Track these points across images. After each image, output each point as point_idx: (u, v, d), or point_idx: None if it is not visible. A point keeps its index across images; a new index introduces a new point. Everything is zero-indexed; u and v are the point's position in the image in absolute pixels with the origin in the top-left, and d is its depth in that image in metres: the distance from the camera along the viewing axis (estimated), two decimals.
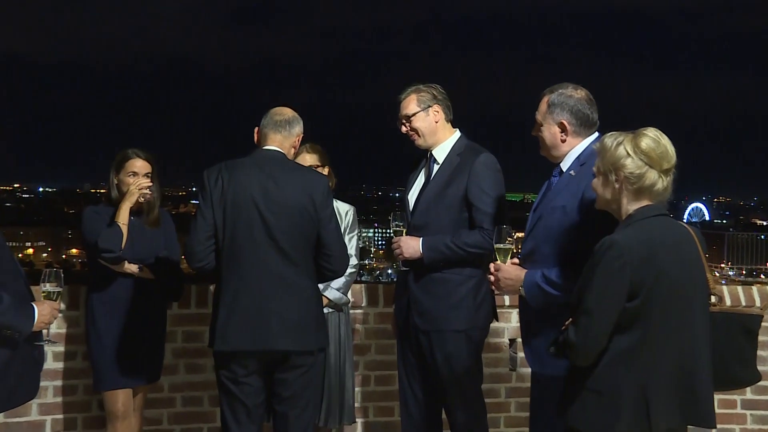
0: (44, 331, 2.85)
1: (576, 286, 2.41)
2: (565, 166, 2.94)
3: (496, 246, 2.96)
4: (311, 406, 3.30)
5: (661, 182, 2.42)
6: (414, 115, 3.49)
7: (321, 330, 3.26)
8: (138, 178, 3.66)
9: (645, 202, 2.43)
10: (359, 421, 4.25)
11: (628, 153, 2.41)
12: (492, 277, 2.95)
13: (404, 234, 3.48)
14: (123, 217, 3.58)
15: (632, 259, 2.29)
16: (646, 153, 2.40)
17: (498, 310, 3.99)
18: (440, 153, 3.52)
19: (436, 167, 3.52)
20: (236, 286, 3.15)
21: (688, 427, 2.43)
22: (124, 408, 3.62)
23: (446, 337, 3.41)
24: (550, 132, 2.94)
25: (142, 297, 3.66)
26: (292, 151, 3.34)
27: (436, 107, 3.50)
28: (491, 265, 2.97)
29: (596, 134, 2.95)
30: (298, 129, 3.32)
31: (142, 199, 3.64)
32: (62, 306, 3.46)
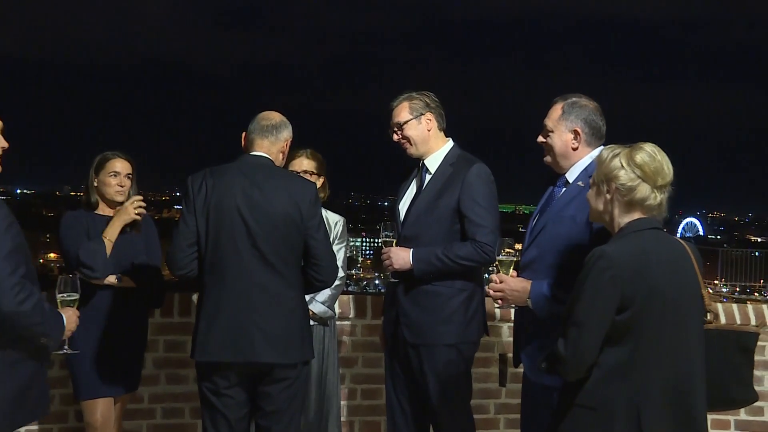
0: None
1: (569, 298, 2.38)
2: (571, 176, 2.93)
3: (499, 258, 2.94)
4: (296, 421, 3.21)
5: (653, 197, 2.40)
6: (406, 123, 3.44)
7: (306, 342, 3.16)
8: (120, 178, 3.63)
9: (637, 215, 2.41)
10: None
11: (622, 165, 2.41)
12: (496, 291, 2.90)
13: (394, 245, 3.42)
14: (112, 234, 3.53)
15: (622, 271, 2.27)
16: (640, 166, 2.39)
17: (488, 324, 3.92)
18: (432, 163, 3.47)
19: (428, 177, 3.47)
20: (218, 295, 3.08)
21: None
22: (102, 418, 3.54)
23: (436, 351, 3.35)
24: (561, 139, 2.92)
25: (121, 304, 3.58)
26: (281, 156, 3.26)
27: (428, 115, 3.45)
28: (494, 277, 2.92)
29: (602, 147, 2.92)
30: (285, 134, 3.24)
31: (139, 218, 3.60)
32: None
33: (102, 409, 3.53)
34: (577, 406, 2.35)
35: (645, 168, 2.39)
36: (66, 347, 2.76)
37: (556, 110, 2.93)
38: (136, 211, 3.58)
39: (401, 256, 3.36)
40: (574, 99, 2.93)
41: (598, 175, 2.48)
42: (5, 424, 2.46)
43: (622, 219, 2.42)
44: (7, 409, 2.45)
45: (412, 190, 3.53)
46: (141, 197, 3.63)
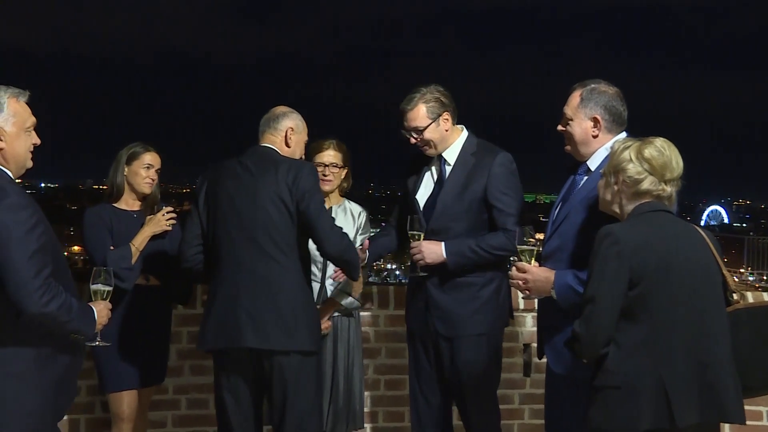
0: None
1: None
2: (593, 164, 2.89)
3: (520, 247, 2.89)
4: (311, 414, 3.13)
5: (661, 189, 2.46)
6: (426, 128, 3.35)
7: (302, 331, 3.06)
8: (152, 172, 3.68)
9: (644, 201, 2.47)
10: (368, 426, 4.17)
11: (630, 158, 2.47)
12: (519, 280, 2.87)
13: (422, 238, 3.35)
14: (141, 243, 3.58)
15: (628, 246, 2.33)
16: (648, 160, 2.45)
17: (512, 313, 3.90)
18: (450, 154, 3.43)
19: (448, 169, 3.42)
20: (215, 284, 3.13)
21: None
22: (129, 410, 3.57)
23: (470, 341, 3.34)
24: (581, 127, 2.88)
25: (146, 297, 3.62)
26: (284, 146, 3.24)
27: (445, 114, 3.37)
28: (516, 266, 2.89)
29: (624, 134, 2.89)
30: (285, 122, 3.24)
31: (170, 229, 3.65)
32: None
33: (128, 401, 3.56)
34: (603, 387, 2.38)
35: (653, 162, 2.45)
36: (98, 339, 2.75)
37: (575, 98, 2.88)
38: (168, 223, 3.64)
39: (433, 250, 3.32)
40: (593, 85, 2.87)
41: (608, 167, 2.54)
42: (44, 418, 2.48)
43: (629, 206, 2.48)
44: (45, 403, 2.47)
45: (428, 181, 3.47)
46: (172, 209, 3.68)
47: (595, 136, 2.86)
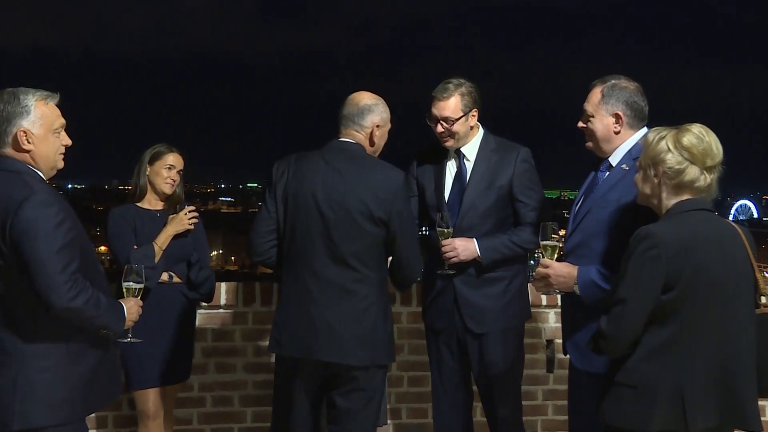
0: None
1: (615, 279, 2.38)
2: (614, 160, 2.88)
3: (543, 243, 2.89)
4: (374, 422, 3.03)
5: (703, 179, 2.37)
6: (458, 119, 3.34)
7: (379, 345, 2.94)
8: (173, 172, 3.72)
9: (685, 197, 2.39)
10: (391, 422, 4.18)
11: (668, 148, 2.38)
12: (542, 276, 2.87)
13: (451, 236, 3.34)
14: (163, 242, 3.61)
15: (667, 250, 2.26)
16: (688, 149, 2.36)
17: (534, 310, 3.90)
18: (470, 150, 3.43)
19: (468, 165, 3.43)
20: (290, 287, 2.99)
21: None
22: (154, 407, 3.61)
23: (498, 337, 3.37)
24: (602, 123, 2.86)
25: (170, 296, 3.66)
26: (369, 144, 3.05)
27: (474, 111, 3.39)
28: (541, 262, 2.88)
29: (645, 129, 2.87)
30: (371, 118, 3.02)
31: (192, 228, 3.69)
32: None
33: (153, 398, 3.60)
34: (617, 384, 2.37)
35: (693, 150, 2.36)
36: (129, 336, 2.78)
37: (596, 94, 2.86)
38: (190, 223, 3.67)
39: (467, 247, 3.31)
40: (613, 81, 2.86)
41: (644, 159, 2.45)
42: (73, 411, 2.52)
43: (670, 201, 2.40)
44: (74, 396, 2.51)
45: (447, 178, 3.46)
46: (194, 208, 3.72)
47: (617, 132, 2.85)
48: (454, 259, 3.31)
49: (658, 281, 2.27)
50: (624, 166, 2.82)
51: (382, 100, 3.09)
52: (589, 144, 2.92)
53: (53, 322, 2.46)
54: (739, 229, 2.43)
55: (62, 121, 2.58)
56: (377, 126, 3.04)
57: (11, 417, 2.42)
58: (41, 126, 2.51)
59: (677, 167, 2.36)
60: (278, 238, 3.01)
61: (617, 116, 2.84)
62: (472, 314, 3.36)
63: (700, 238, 2.31)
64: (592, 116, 2.87)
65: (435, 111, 3.38)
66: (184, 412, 4.04)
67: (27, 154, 2.51)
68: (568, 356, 3.00)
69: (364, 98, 3.06)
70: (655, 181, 2.41)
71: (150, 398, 3.60)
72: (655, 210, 2.47)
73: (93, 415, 3.96)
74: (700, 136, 2.38)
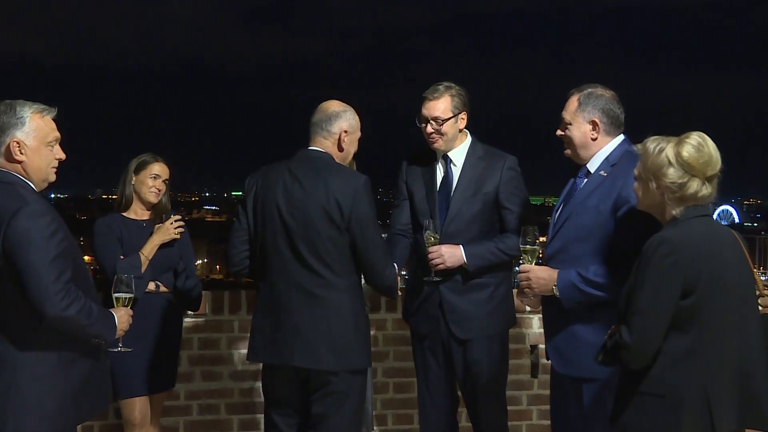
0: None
1: (623, 288, 2.38)
2: (592, 166, 2.94)
3: (523, 247, 2.95)
4: (350, 428, 3.04)
5: (705, 189, 2.37)
6: (447, 120, 3.38)
7: (354, 349, 2.97)
8: (159, 182, 3.72)
9: (690, 205, 2.39)
10: (377, 428, 4.20)
11: (669, 162, 2.36)
12: (522, 281, 2.93)
13: (438, 242, 3.36)
14: (150, 252, 3.62)
15: (684, 256, 2.27)
16: (688, 162, 2.35)
17: (519, 316, 3.92)
18: (457, 156, 3.47)
19: (455, 170, 3.46)
20: (263, 295, 3.06)
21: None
22: (141, 416, 3.61)
23: (485, 342, 3.39)
24: (580, 131, 2.93)
25: (157, 305, 3.67)
26: (337, 150, 3.07)
27: (463, 114, 3.43)
28: (521, 267, 2.95)
29: (622, 136, 2.95)
30: (339, 124, 3.06)
31: (179, 237, 3.70)
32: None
33: (140, 407, 3.60)
34: (643, 394, 2.34)
35: (693, 163, 2.35)
36: (120, 345, 2.80)
37: (573, 102, 2.93)
38: (176, 232, 3.68)
39: (454, 254, 3.33)
40: (589, 90, 2.92)
41: (644, 170, 2.43)
42: (64, 420, 2.54)
43: (674, 210, 2.40)
44: (66, 405, 2.53)
45: (433, 185, 3.48)
46: (180, 217, 3.73)
47: (594, 139, 2.91)
48: (441, 266, 3.33)
49: (677, 288, 2.26)
50: (602, 172, 2.89)
51: (351, 107, 3.13)
52: (568, 151, 2.98)
53: (46, 331, 2.47)
54: (735, 234, 2.47)
55: (57, 134, 2.61)
56: (345, 131, 3.06)
57: (4, 425, 2.43)
58: (35, 138, 2.54)
59: (679, 181, 2.35)
60: (251, 249, 3.09)
61: (594, 123, 2.90)
62: (456, 320, 3.38)
63: (710, 242, 2.33)
64: (570, 124, 2.93)
65: (425, 111, 3.41)
66: (170, 420, 4.04)
67: (19, 165, 2.53)
68: (540, 361, 3.05)
69: (332, 106, 3.10)
70: (657, 192, 2.40)
71: (136, 407, 3.60)
72: (657, 216, 2.47)
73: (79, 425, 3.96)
74: (699, 147, 2.36)
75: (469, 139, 3.50)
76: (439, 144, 3.43)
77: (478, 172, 3.42)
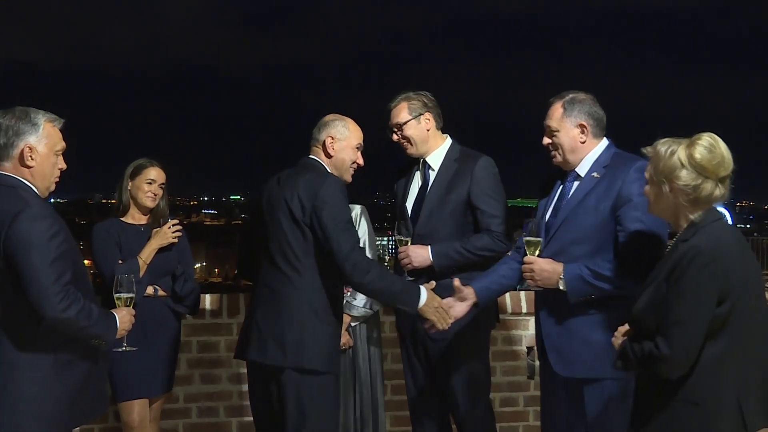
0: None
1: (643, 299, 2.36)
2: (582, 170, 2.98)
3: (527, 239, 2.97)
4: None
5: (718, 190, 2.37)
6: (405, 123, 3.47)
7: (307, 349, 2.94)
8: (155, 186, 3.75)
9: (704, 207, 2.39)
10: None
11: (682, 164, 2.35)
12: (525, 272, 2.95)
13: (409, 243, 3.42)
14: (147, 256, 3.66)
15: (719, 266, 2.26)
16: (701, 163, 2.33)
17: (514, 318, 3.93)
18: (434, 160, 3.52)
19: (432, 174, 3.51)
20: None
21: None
22: (139, 418, 3.64)
23: (458, 343, 3.39)
24: (569, 135, 2.97)
25: (155, 309, 3.69)
26: (325, 156, 3.16)
27: (427, 115, 3.48)
28: (525, 259, 2.97)
29: (606, 140, 3.01)
30: (325, 131, 3.17)
31: (176, 241, 3.74)
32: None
33: (138, 410, 3.63)
34: (678, 401, 2.32)
35: (706, 165, 2.33)
36: (124, 345, 2.84)
37: (557, 109, 2.98)
38: (174, 236, 3.72)
39: (420, 254, 3.39)
40: (571, 95, 2.98)
41: (656, 173, 2.41)
42: (60, 423, 2.57)
43: (691, 214, 2.39)
44: (62, 408, 2.56)
45: (414, 188, 3.56)
46: (177, 221, 3.76)
47: (583, 143, 2.96)
48: (409, 266, 3.39)
49: (715, 297, 2.26)
50: (594, 174, 2.94)
51: (347, 119, 3.21)
52: (557, 158, 3.02)
53: (44, 333, 2.50)
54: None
55: (63, 144, 2.68)
56: (331, 137, 3.15)
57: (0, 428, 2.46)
58: (46, 145, 2.60)
59: (693, 184, 2.34)
60: None
61: (582, 127, 2.95)
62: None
63: (736, 248, 2.33)
64: (557, 130, 2.97)
65: (389, 121, 3.52)
66: (170, 423, 4.07)
67: (27, 170, 2.59)
68: (537, 362, 3.07)
69: (326, 117, 3.22)
70: (671, 196, 2.39)
71: (135, 410, 3.62)
72: (667, 219, 2.48)
73: (77, 428, 3.98)
74: (711, 148, 2.35)
75: (448, 142, 3.55)
76: (411, 150, 3.50)
77: (450, 175, 3.46)
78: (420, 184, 3.54)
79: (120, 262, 3.63)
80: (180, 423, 4.12)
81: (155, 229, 3.73)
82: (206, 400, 4.14)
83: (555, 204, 3.04)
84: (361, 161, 3.22)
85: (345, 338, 3.55)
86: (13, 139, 2.56)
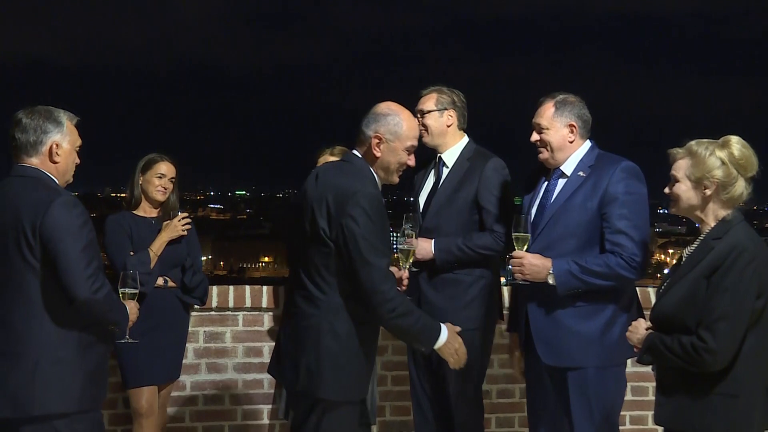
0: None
1: (685, 294, 2.43)
2: (568, 168, 3.09)
3: (515, 234, 3.04)
4: None
5: (746, 190, 2.49)
6: (429, 112, 3.56)
7: (315, 374, 2.67)
8: (165, 181, 3.84)
9: (731, 207, 2.50)
10: (377, 419, 4.29)
11: (722, 162, 2.46)
12: (514, 267, 3.03)
13: (415, 236, 3.51)
14: (158, 248, 3.75)
15: (760, 261, 2.38)
16: (739, 161, 2.46)
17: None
18: (449, 157, 3.61)
19: (445, 171, 3.61)
20: None
21: None
22: (147, 405, 3.74)
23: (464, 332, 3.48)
24: (559, 134, 3.08)
25: (165, 299, 3.80)
26: (372, 156, 2.81)
27: (451, 111, 3.57)
28: (513, 254, 3.05)
29: (590, 141, 3.12)
30: (374, 127, 2.77)
31: (186, 234, 3.82)
32: None
33: (147, 397, 3.73)
34: (717, 395, 2.40)
35: (743, 162, 2.46)
36: (127, 337, 2.95)
37: (548, 108, 3.09)
38: (184, 229, 3.81)
39: (423, 247, 3.47)
40: (562, 96, 3.09)
41: (694, 172, 2.49)
42: (86, 398, 2.70)
43: (720, 212, 2.49)
44: (87, 385, 2.69)
45: (429, 183, 3.66)
46: (187, 214, 3.85)
47: (571, 142, 3.07)
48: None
49: (755, 291, 2.37)
50: (581, 173, 3.05)
51: (403, 112, 2.81)
52: (544, 155, 3.12)
53: (69, 316, 2.63)
54: None
55: (80, 141, 2.83)
56: (379, 138, 2.76)
57: (32, 404, 2.59)
58: (69, 142, 2.76)
59: (730, 180, 2.45)
60: None
61: (572, 127, 3.06)
62: (430, 312, 3.39)
63: (764, 245, 2.44)
64: (547, 128, 3.08)
65: (416, 107, 3.60)
66: (177, 410, 4.16)
67: (53, 166, 2.73)
68: (518, 354, 3.20)
69: (379, 107, 2.82)
70: (707, 193, 2.48)
71: (143, 396, 3.72)
72: (692, 217, 2.56)
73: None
74: (743, 148, 2.48)
75: (464, 141, 3.63)
76: (426, 138, 3.57)
77: (462, 173, 3.55)
78: (434, 179, 3.64)
79: (131, 253, 3.73)
80: (187, 410, 4.21)
81: (165, 222, 3.82)
82: (212, 388, 4.22)
83: (540, 201, 3.14)
84: (411, 162, 2.85)
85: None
86: (42, 136, 2.71)
